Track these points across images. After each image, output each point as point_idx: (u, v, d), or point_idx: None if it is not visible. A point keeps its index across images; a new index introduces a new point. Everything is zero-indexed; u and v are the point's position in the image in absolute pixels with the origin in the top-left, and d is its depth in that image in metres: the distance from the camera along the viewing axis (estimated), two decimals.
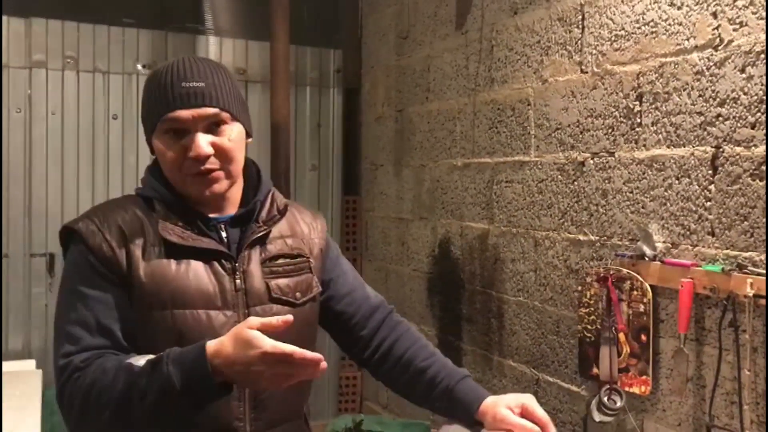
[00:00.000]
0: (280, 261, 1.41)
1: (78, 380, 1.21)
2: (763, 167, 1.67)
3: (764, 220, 1.68)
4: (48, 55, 3.26)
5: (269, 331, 1.15)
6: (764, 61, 1.67)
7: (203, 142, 1.30)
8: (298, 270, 1.43)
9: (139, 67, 3.43)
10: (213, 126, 1.32)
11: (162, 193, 1.36)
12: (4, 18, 3.18)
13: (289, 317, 1.18)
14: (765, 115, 1.62)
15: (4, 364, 3.05)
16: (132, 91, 3.41)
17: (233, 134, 1.34)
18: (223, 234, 1.37)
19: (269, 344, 1.12)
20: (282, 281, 1.39)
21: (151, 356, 1.20)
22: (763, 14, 1.67)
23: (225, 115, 1.33)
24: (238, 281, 1.34)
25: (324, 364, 1.14)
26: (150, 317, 1.28)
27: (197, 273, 1.31)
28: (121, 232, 1.30)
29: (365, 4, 3.77)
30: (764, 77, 1.67)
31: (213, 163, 1.32)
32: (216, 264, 1.33)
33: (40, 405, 2.65)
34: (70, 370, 1.23)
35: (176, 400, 1.15)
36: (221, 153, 1.33)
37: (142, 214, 1.34)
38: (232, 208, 1.41)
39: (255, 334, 1.13)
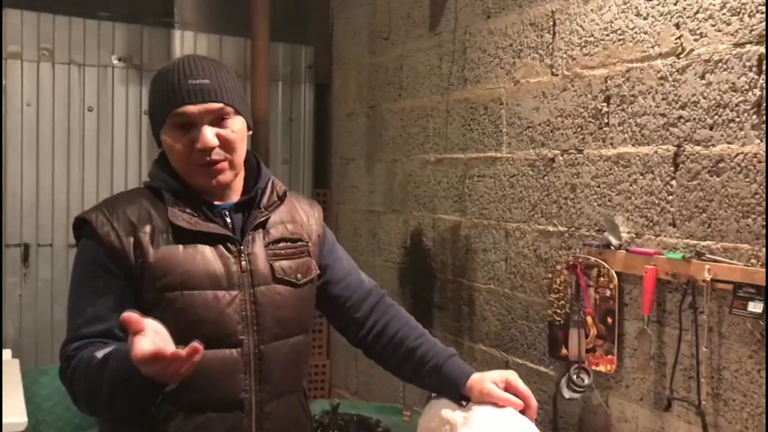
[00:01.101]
0: (282, 244, 1.52)
1: (67, 369, 1.36)
2: (721, 164, 1.86)
3: (721, 212, 1.86)
4: (23, 47, 3.28)
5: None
6: (723, 68, 1.85)
7: (209, 134, 1.41)
8: (299, 253, 1.55)
9: (114, 60, 3.46)
10: (218, 119, 1.43)
11: (170, 183, 1.46)
12: None
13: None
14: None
15: None
16: (107, 83, 3.45)
17: (236, 126, 1.46)
18: (228, 220, 1.48)
19: (138, 353, 1.14)
20: (284, 263, 1.51)
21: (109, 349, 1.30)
22: (722, 27, 1.85)
23: (228, 110, 1.44)
24: (243, 263, 1.45)
25: (196, 355, 1.15)
26: (162, 299, 1.38)
27: (204, 256, 1.42)
28: (130, 222, 1.41)
29: (336, 2, 3.87)
30: (723, 84, 1.85)
31: (218, 154, 1.43)
32: (221, 247, 1.44)
33: (22, 392, 2.69)
34: (64, 358, 1.37)
35: (124, 391, 1.26)
36: (225, 144, 1.44)
37: (150, 204, 1.44)
38: (235, 196, 1.52)
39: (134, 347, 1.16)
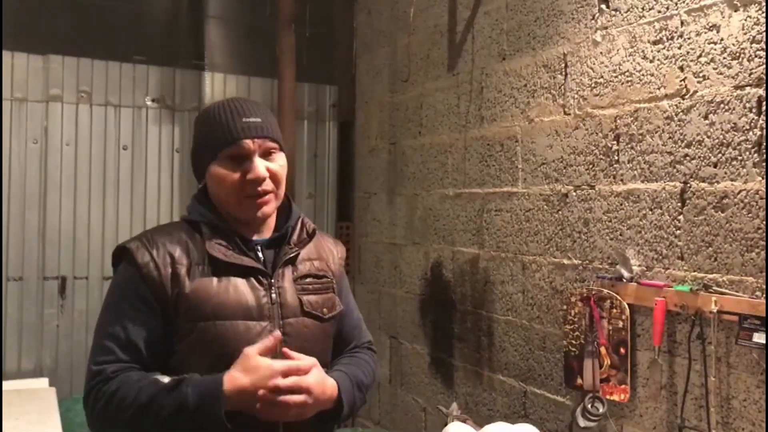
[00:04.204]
0: (309, 280, 1.60)
1: (105, 386, 1.40)
2: (725, 200, 1.94)
3: (726, 246, 1.94)
4: (64, 90, 3.47)
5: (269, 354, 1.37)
6: (725, 109, 1.95)
7: (261, 165, 1.52)
8: (324, 289, 1.62)
9: (148, 101, 3.64)
10: (266, 154, 1.54)
11: (208, 217, 1.55)
12: (24, 55, 3.39)
13: (277, 333, 1.42)
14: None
15: (19, 382, 3.20)
16: (141, 123, 3.62)
17: (281, 161, 1.57)
18: (260, 254, 1.56)
19: (278, 364, 1.35)
20: (312, 297, 1.58)
21: (174, 377, 1.39)
22: (723, 70, 1.95)
23: (276, 146, 1.56)
24: (273, 295, 1.52)
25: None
26: (195, 327, 1.45)
27: (237, 288, 1.49)
28: (169, 254, 1.48)
29: (359, 44, 4.03)
30: (725, 123, 1.95)
31: (267, 185, 1.53)
32: (254, 280, 1.51)
33: (59, 420, 2.80)
34: (101, 377, 1.41)
35: (187, 418, 1.34)
36: (273, 176, 1.54)
37: (188, 237, 1.52)
38: (267, 232, 1.60)
39: (262, 359, 1.37)
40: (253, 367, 1.37)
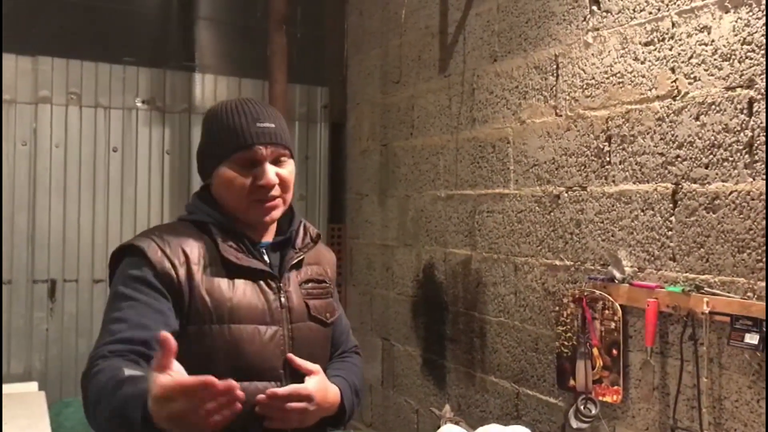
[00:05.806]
0: (311, 284, 1.59)
1: (93, 369, 1.30)
2: (716, 201, 1.95)
3: (718, 247, 1.95)
4: (53, 91, 3.44)
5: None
6: (716, 110, 1.95)
7: (272, 172, 1.49)
8: (325, 294, 1.62)
9: (138, 103, 3.62)
10: (277, 160, 1.52)
11: (217, 218, 1.51)
12: (12, 56, 3.36)
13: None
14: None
15: (8, 386, 3.17)
16: (131, 125, 3.60)
17: (290, 168, 1.55)
18: (266, 258, 1.54)
19: (181, 380, 1.11)
20: (316, 302, 1.57)
21: (138, 373, 1.25)
22: (714, 71, 1.96)
23: (287, 152, 1.54)
24: (282, 299, 1.50)
25: (239, 393, 1.10)
26: (208, 330, 1.41)
27: (247, 291, 1.47)
28: (183, 252, 1.44)
29: (350, 46, 4.03)
30: (716, 125, 1.95)
31: (276, 192, 1.51)
32: (263, 283, 1.49)
33: (48, 423, 2.78)
34: (96, 357, 1.32)
35: (121, 417, 1.21)
36: (283, 183, 1.52)
37: (197, 237, 1.48)
38: (269, 236, 1.58)
39: (169, 379, 1.12)
40: (163, 387, 1.13)
